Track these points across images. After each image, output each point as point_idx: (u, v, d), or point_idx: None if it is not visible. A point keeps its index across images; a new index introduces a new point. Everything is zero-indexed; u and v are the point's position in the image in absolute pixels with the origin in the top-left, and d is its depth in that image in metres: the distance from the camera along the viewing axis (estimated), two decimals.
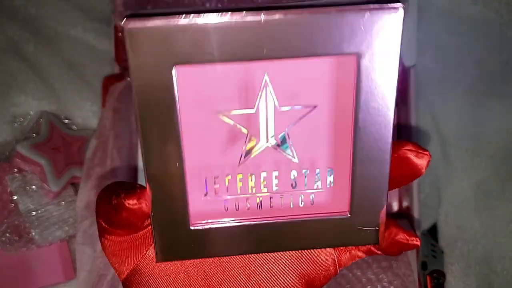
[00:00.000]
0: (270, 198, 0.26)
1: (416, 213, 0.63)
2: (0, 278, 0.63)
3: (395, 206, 0.67)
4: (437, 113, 0.69)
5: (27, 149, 0.61)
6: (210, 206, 0.25)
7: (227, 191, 0.25)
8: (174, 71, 0.22)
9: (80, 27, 0.70)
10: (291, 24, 0.21)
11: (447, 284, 0.67)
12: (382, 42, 0.22)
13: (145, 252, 0.27)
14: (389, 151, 0.24)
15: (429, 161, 0.27)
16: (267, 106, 0.23)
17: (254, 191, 0.25)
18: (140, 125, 0.23)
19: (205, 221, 0.25)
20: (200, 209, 0.25)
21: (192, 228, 0.25)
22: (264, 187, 0.26)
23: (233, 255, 0.26)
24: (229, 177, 0.25)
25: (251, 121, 0.24)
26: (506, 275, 0.67)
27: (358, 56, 0.22)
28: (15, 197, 0.62)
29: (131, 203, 0.24)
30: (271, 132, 0.24)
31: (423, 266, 0.65)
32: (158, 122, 0.22)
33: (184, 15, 0.21)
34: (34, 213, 0.62)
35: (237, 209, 0.25)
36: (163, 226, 0.25)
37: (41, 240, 0.63)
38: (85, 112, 0.69)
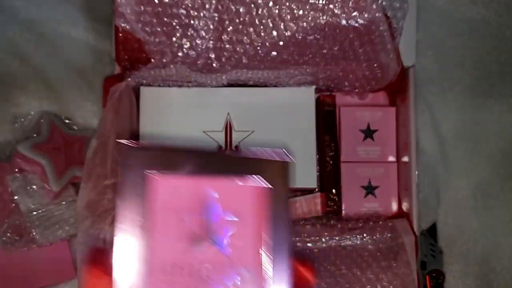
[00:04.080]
0: (208, 283, 0.34)
1: (415, 213, 0.63)
2: (1, 278, 0.63)
3: (394, 207, 0.67)
4: (436, 113, 0.70)
5: (28, 149, 0.61)
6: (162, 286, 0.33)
7: (173, 277, 0.33)
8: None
9: (81, 27, 0.70)
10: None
11: (447, 283, 0.67)
12: None
13: None
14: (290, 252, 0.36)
15: (314, 274, 0.38)
16: (209, 214, 0.35)
17: (194, 278, 0.33)
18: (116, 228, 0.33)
19: None
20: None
21: None
22: (204, 272, 0.34)
23: None
24: (179, 264, 0.33)
25: (198, 224, 0.35)
26: (505, 274, 0.67)
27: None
28: (16, 197, 0.62)
29: None
30: (213, 233, 0.34)
31: (423, 265, 0.65)
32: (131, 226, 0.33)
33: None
34: (35, 213, 0.63)
35: None
36: None
37: (42, 239, 0.63)
38: (86, 112, 0.69)
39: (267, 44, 0.57)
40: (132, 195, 0.33)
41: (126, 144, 0.34)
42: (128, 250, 0.32)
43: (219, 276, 0.33)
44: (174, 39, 0.58)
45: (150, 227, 0.33)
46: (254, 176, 0.35)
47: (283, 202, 0.36)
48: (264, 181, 0.35)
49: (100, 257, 0.34)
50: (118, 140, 0.34)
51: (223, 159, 0.36)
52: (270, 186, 0.36)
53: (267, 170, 0.36)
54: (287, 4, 0.56)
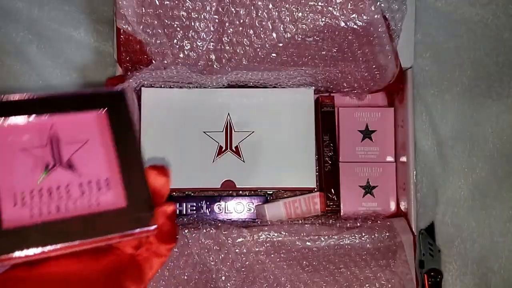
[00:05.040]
0: (65, 204, 0.37)
1: (413, 213, 0.64)
2: None
3: (392, 206, 0.67)
4: (434, 114, 0.70)
5: None
6: (21, 212, 0.35)
7: (32, 200, 0.36)
8: None
9: (82, 28, 0.70)
10: None
11: (444, 282, 0.67)
12: None
13: None
14: (142, 163, 0.39)
15: (169, 176, 0.40)
16: (54, 142, 0.38)
17: (53, 199, 0.36)
18: None
19: (16, 224, 0.34)
20: (12, 215, 0.35)
21: (4, 229, 0.34)
22: (60, 196, 0.37)
23: (38, 246, 0.34)
24: (33, 191, 0.36)
25: (46, 153, 0.38)
26: (503, 274, 0.67)
27: None
28: None
29: None
30: (59, 158, 0.38)
31: (421, 265, 0.65)
32: None
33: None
34: None
35: (41, 214, 0.36)
36: None
37: None
38: None
39: (266, 45, 0.58)
40: None
41: None
42: None
43: (77, 192, 0.38)
44: (175, 40, 0.59)
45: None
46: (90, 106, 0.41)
47: (126, 120, 0.41)
48: (101, 108, 0.40)
49: None
50: None
51: (58, 100, 0.42)
52: (107, 111, 0.41)
53: (102, 99, 0.41)
54: (287, 6, 0.56)
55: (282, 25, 0.57)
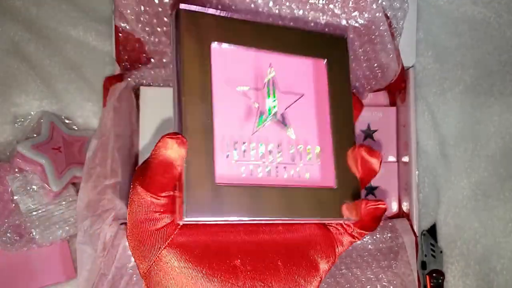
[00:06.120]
0: (276, 168, 0.31)
1: (415, 213, 0.63)
2: (0, 278, 0.63)
3: (394, 206, 0.67)
4: (436, 113, 0.69)
5: (28, 149, 0.61)
6: (233, 168, 0.30)
7: (244, 156, 0.30)
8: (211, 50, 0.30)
9: (81, 27, 0.70)
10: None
11: (447, 283, 0.67)
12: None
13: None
14: (354, 136, 0.32)
15: (381, 160, 0.33)
16: (271, 88, 0.31)
17: (264, 159, 0.31)
18: (183, 94, 0.29)
19: (227, 181, 0.29)
20: (224, 169, 0.29)
21: (217, 184, 0.28)
22: (271, 157, 0.31)
23: (252, 216, 0.29)
24: (245, 144, 0.30)
25: (260, 99, 0.31)
26: (505, 274, 0.67)
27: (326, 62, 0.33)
28: (16, 197, 0.62)
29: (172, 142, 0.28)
30: (275, 109, 0.31)
31: (423, 265, 0.65)
32: (197, 95, 0.29)
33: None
34: (35, 213, 0.63)
35: (251, 174, 0.30)
36: (193, 182, 0.27)
37: (42, 239, 0.63)
38: (86, 112, 0.69)
39: None
40: (195, 65, 0.29)
41: (190, 10, 0.30)
42: (195, 125, 0.28)
43: (287, 156, 0.31)
44: None
45: (214, 101, 0.29)
46: (310, 51, 0.33)
47: (344, 76, 0.33)
48: (322, 56, 0.33)
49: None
50: (181, 7, 0.29)
51: (281, 34, 0.32)
52: (328, 61, 0.33)
53: (324, 45, 0.33)
54: (287, 4, 0.55)
55: (282, 23, 0.56)
